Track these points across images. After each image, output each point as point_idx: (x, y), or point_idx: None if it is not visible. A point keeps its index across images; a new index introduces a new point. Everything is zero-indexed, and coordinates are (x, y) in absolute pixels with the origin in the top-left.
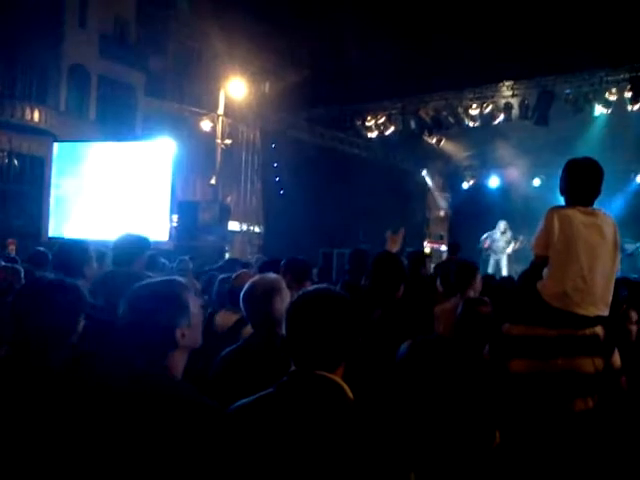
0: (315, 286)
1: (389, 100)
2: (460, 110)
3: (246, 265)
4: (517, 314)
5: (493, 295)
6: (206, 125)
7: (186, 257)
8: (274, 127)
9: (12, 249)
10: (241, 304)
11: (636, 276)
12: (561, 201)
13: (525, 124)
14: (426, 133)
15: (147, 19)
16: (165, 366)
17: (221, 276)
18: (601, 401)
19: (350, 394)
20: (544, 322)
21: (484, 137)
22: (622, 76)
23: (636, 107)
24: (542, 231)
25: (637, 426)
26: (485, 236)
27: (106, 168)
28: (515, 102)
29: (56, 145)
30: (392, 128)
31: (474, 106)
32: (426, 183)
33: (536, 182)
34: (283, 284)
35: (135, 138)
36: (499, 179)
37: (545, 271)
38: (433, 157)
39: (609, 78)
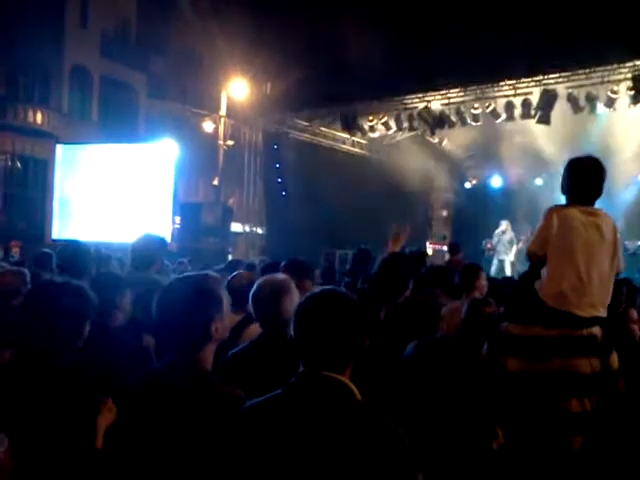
0: (322, 287)
1: (391, 100)
2: (462, 109)
3: (250, 266)
4: (515, 313)
5: (495, 296)
6: (208, 126)
7: (184, 260)
8: (276, 128)
9: (16, 251)
10: (250, 304)
11: (638, 276)
12: (563, 200)
13: (528, 123)
14: (428, 132)
15: (148, 19)
16: (197, 359)
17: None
18: (599, 402)
19: (358, 395)
20: (541, 322)
21: (486, 136)
22: (624, 75)
23: (638, 105)
24: (540, 230)
25: (636, 427)
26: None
27: (109, 170)
28: (517, 101)
29: (59, 147)
30: (394, 128)
31: (476, 105)
32: (428, 183)
33: (539, 181)
34: (292, 285)
35: (137, 139)
36: (501, 179)
37: (543, 271)
38: (435, 157)
39: (611, 77)
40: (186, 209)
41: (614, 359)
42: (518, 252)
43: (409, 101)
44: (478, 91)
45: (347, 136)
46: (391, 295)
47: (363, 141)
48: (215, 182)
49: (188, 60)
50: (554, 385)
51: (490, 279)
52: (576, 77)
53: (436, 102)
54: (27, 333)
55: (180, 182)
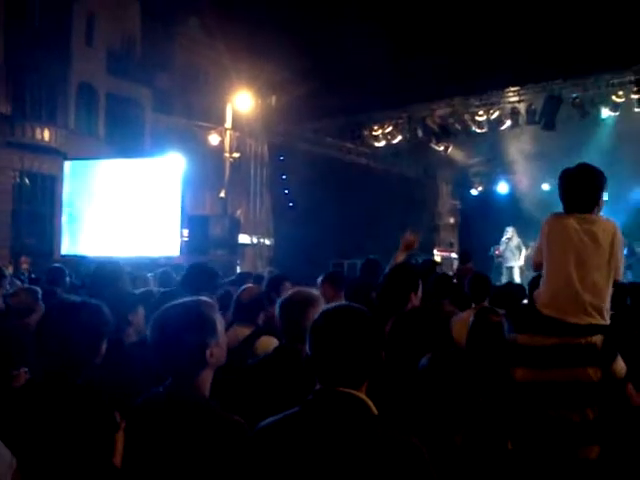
0: (336, 303)
1: (395, 109)
2: (467, 117)
3: (258, 278)
4: (521, 323)
5: (504, 304)
6: (214, 139)
7: None
8: (281, 140)
9: (25, 268)
10: (277, 315)
11: None
12: None
13: (533, 129)
14: (434, 141)
15: (153, 36)
16: (194, 385)
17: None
18: (602, 412)
19: (374, 410)
20: (541, 331)
21: (492, 143)
22: (628, 78)
23: None
24: (539, 238)
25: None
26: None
27: (116, 185)
28: (522, 107)
29: (67, 163)
30: (399, 137)
31: (481, 112)
32: (435, 190)
33: (545, 187)
34: (321, 299)
35: (144, 154)
36: (508, 185)
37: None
38: (441, 164)
39: (615, 80)
40: (194, 222)
41: (618, 367)
42: (527, 258)
43: (413, 110)
44: (483, 98)
45: (352, 146)
46: (397, 306)
47: (368, 151)
48: (222, 194)
49: (193, 75)
50: (556, 394)
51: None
52: (580, 82)
53: (440, 110)
54: (45, 351)
55: (187, 195)
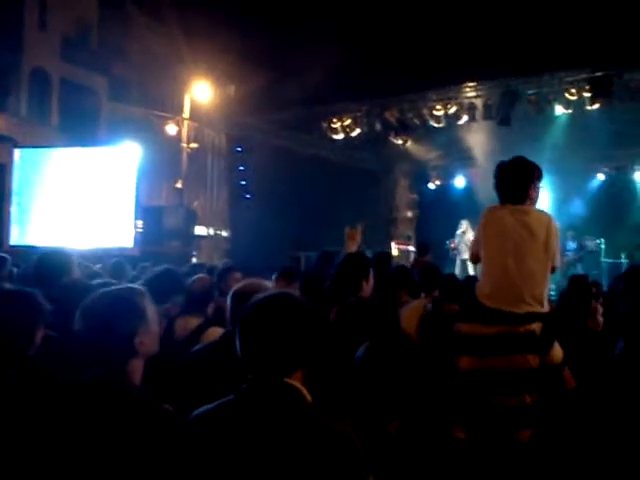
0: (269, 291)
1: (354, 102)
2: (425, 111)
3: (212, 270)
4: (465, 312)
5: (457, 295)
6: (171, 129)
7: (147, 264)
8: (240, 131)
9: None
10: (228, 305)
11: (597, 272)
12: None
13: (490, 125)
14: (392, 134)
15: (110, 23)
16: (124, 372)
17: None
18: (541, 397)
19: (309, 398)
20: (482, 320)
21: (449, 137)
22: (581, 77)
23: (595, 107)
24: (477, 231)
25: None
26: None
27: (69, 174)
28: (479, 103)
29: (17, 151)
30: (358, 130)
31: (439, 107)
32: (393, 184)
33: None
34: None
35: (99, 143)
36: (465, 179)
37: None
38: (399, 158)
39: (569, 78)
40: (148, 213)
41: (555, 353)
42: None
43: (372, 104)
44: (440, 93)
45: (311, 138)
46: (348, 294)
47: (327, 143)
48: (178, 185)
49: (150, 63)
50: (497, 381)
51: (451, 276)
52: (535, 79)
53: (398, 104)
54: None
55: (143, 185)
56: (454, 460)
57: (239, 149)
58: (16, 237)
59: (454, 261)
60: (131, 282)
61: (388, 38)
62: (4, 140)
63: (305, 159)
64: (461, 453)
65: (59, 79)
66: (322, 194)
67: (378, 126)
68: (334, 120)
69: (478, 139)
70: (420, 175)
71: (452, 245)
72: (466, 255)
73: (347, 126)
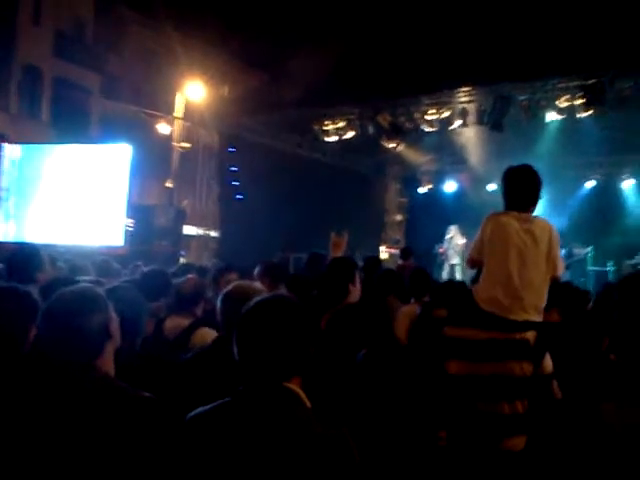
0: (267, 294)
1: (347, 105)
2: (417, 116)
3: (202, 270)
4: (455, 316)
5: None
6: (163, 128)
7: (139, 262)
8: (232, 131)
9: None
10: (218, 307)
11: (584, 279)
12: None
13: (482, 130)
14: (384, 138)
15: (105, 20)
16: (96, 365)
17: (175, 282)
18: (531, 405)
19: (307, 402)
20: (477, 325)
21: (441, 142)
22: (574, 83)
23: (587, 114)
24: (478, 236)
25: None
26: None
27: (60, 171)
28: (472, 108)
29: (8, 147)
30: (350, 133)
31: (431, 111)
32: (384, 187)
33: (491, 187)
34: (263, 293)
35: (90, 141)
36: (455, 184)
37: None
38: (391, 161)
39: (561, 85)
40: (138, 211)
41: (547, 363)
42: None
43: (364, 107)
44: (433, 97)
45: (304, 140)
46: (335, 298)
47: (320, 145)
48: (169, 184)
49: (144, 62)
50: (487, 387)
51: (436, 282)
52: (528, 85)
53: (391, 108)
54: None
55: (134, 184)
56: (439, 465)
57: (231, 149)
58: (4, 234)
59: (442, 266)
60: (121, 280)
61: (382, 42)
62: None
63: (297, 161)
64: (445, 459)
65: (51, 76)
66: (313, 196)
67: (371, 129)
68: (327, 122)
69: (470, 144)
70: (411, 179)
71: (441, 250)
72: (454, 260)
73: (340, 129)
